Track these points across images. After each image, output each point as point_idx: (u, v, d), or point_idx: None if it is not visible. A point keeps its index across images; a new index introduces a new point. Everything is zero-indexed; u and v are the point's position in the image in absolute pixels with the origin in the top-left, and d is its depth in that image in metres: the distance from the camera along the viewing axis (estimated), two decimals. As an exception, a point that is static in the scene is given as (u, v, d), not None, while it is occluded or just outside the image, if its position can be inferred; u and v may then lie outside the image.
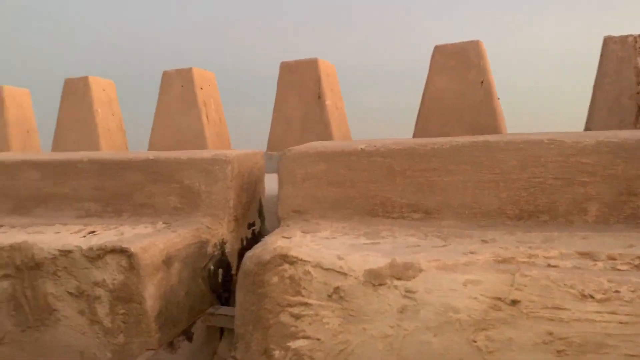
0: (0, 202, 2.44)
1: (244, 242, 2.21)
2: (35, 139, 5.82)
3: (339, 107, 4.89)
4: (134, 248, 1.77)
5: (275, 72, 5.00)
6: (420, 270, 1.45)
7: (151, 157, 2.19)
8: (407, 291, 1.46)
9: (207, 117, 5.10)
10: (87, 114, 5.33)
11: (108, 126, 5.41)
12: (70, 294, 1.88)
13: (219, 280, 2.05)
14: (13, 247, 1.98)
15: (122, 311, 1.79)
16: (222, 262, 2.06)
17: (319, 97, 4.69)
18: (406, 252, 1.55)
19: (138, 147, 5.56)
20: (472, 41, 4.40)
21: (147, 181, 2.19)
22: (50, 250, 1.91)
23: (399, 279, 1.47)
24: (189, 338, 1.90)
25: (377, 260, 1.51)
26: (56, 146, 5.41)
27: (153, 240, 1.84)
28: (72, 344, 1.87)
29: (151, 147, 5.17)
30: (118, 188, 2.25)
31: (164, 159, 2.17)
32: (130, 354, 1.79)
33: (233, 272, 2.11)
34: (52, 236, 2.05)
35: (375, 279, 1.49)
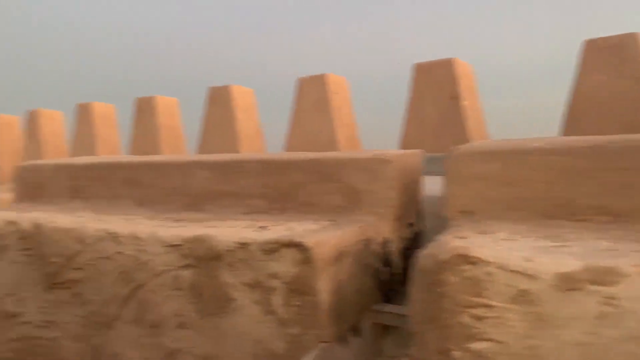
0: (176, 199, 2.68)
1: (405, 242, 2.21)
2: (182, 144, 6.33)
3: (476, 107, 4.75)
4: (308, 242, 1.84)
5: (404, 73, 4.99)
6: (623, 276, 1.35)
7: (314, 157, 2.27)
8: (608, 297, 1.36)
9: (340, 121, 5.21)
10: (229, 120, 5.69)
11: (248, 132, 5.73)
12: (247, 284, 1.99)
13: (384, 278, 2.07)
14: (194, 239, 2.16)
15: (297, 303, 1.87)
16: (386, 261, 2.08)
17: (455, 98, 4.59)
18: (601, 256, 1.45)
19: (275, 152, 5.81)
20: (629, 34, 4.05)
21: (311, 180, 2.28)
22: (228, 242, 2.05)
23: (597, 283, 1.38)
24: (357, 334, 1.93)
25: (570, 263, 1.42)
26: (201, 150, 5.83)
27: (325, 235, 1.90)
28: (248, 332, 1.99)
29: (287, 150, 5.39)
30: (283, 186, 2.36)
31: (327, 158, 2.24)
32: (304, 345, 1.86)
33: (396, 270, 2.12)
34: (227, 230, 2.20)
35: (568, 283, 1.42)
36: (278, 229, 2.12)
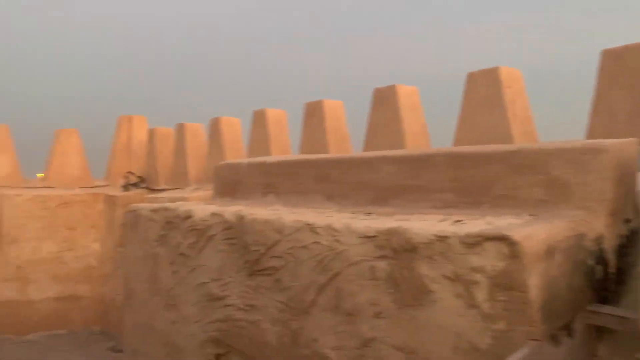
0: (363, 193, 2.76)
1: (621, 239, 2.02)
2: (348, 145, 6.53)
3: (680, 95, 4.17)
4: (516, 236, 1.77)
5: (590, 61, 4.56)
6: None
7: (513, 149, 2.18)
8: None
9: (514, 116, 4.95)
10: (394, 120, 5.72)
11: (413, 130, 5.71)
12: (446, 277, 1.98)
13: (597, 277, 1.91)
14: (389, 232, 2.20)
15: (503, 298, 1.81)
16: (600, 258, 1.92)
17: (654, 86, 4.08)
18: None
19: (442, 149, 5.69)
20: None
21: (508, 172, 2.19)
22: (426, 235, 2.06)
23: None
24: (570, 334, 1.81)
25: None
26: (366, 150, 5.95)
27: (532, 229, 1.82)
28: (447, 325, 1.97)
29: (455, 148, 5.26)
30: (475, 180, 2.30)
31: (528, 149, 2.14)
32: (511, 342, 1.79)
33: (611, 269, 1.95)
34: (421, 223, 2.21)
35: None
36: (476, 223, 2.07)
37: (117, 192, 7.85)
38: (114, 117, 9.02)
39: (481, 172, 2.29)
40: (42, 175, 8.71)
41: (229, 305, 3.01)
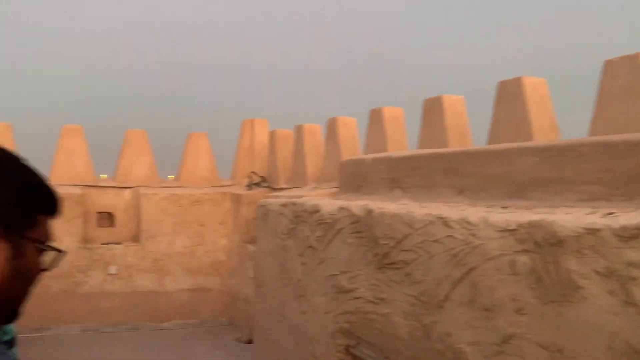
0: (498, 186, 2.67)
1: None
2: (468, 141, 6.34)
3: None
4: (684, 228, 1.61)
5: None
6: None
7: (674, 135, 1.99)
8: None
9: (659, 105, 4.50)
10: (521, 114, 5.46)
11: (541, 124, 5.41)
12: (598, 272, 1.85)
13: None
14: (532, 224, 2.11)
15: (668, 296, 1.66)
16: None
17: None
18: None
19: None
20: None
21: (669, 161, 2.00)
22: (573, 228, 1.94)
23: None
24: None
25: None
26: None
27: None
28: (600, 323, 1.85)
29: (590, 142, 4.89)
30: (628, 170, 2.13)
31: (693, 135, 1.94)
32: (678, 344, 1.63)
33: None
34: (566, 216, 2.09)
35: None
36: (632, 215, 1.92)
37: (242, 191, 8.29)
38: (239, 121, 9.55)
39: (635, 161, 2.11)
40: (173, 177, 9.44)
41: (358, 298, 3.06)
